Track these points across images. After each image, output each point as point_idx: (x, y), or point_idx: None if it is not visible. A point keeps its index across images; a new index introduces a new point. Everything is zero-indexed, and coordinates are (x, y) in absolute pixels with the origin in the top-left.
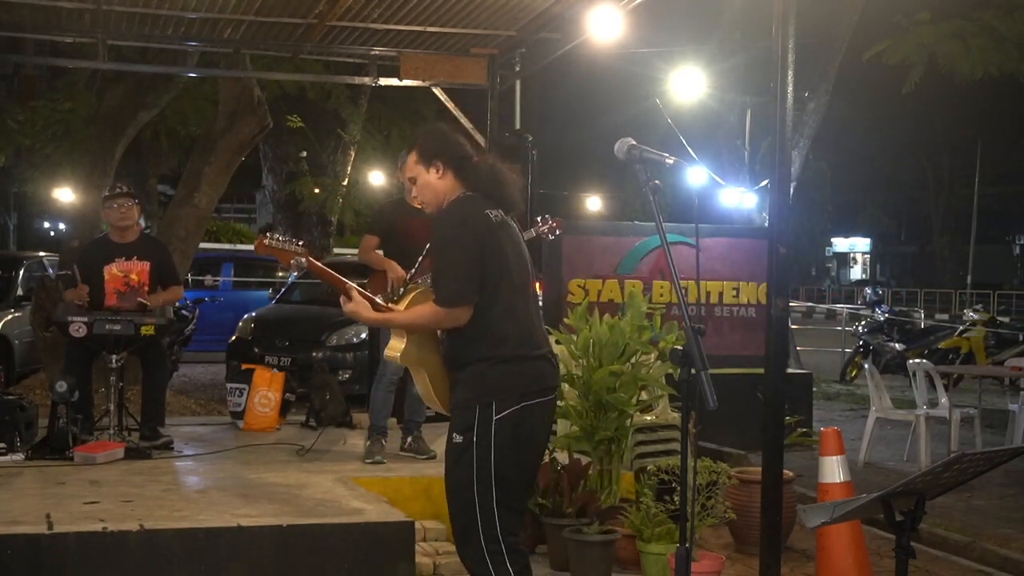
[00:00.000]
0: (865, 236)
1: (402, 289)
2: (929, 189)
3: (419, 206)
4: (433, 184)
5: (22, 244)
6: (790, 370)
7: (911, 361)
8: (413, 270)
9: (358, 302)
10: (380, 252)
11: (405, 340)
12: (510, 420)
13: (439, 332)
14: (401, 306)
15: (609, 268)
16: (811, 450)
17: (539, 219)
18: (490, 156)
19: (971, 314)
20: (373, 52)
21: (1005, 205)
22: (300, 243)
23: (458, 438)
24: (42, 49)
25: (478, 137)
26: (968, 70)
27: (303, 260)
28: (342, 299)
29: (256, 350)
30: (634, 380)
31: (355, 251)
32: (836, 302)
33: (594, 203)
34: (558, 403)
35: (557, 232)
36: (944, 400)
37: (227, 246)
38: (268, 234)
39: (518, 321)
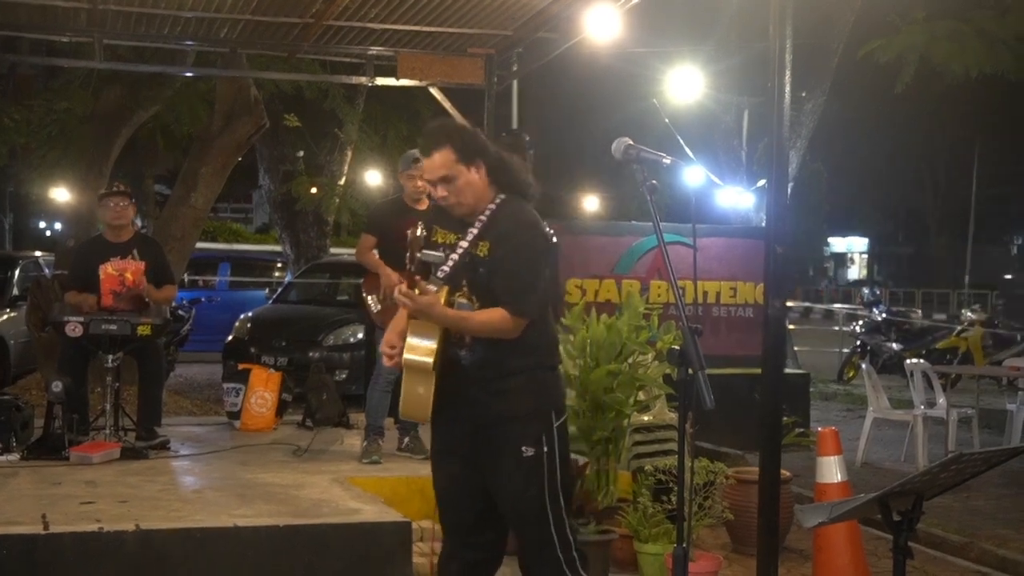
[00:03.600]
0: (862, 236)
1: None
2: (926, 189)
3: (454, 209)
4: (476, 184)
5: (18, 244)
6: (787, 370)
7: (909, 361)
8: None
9: (434, 296)
10: (376, 253)
11: (437, 344)
12: (564, 427)
13: (466, 337)
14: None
15: (606, 268)
16: (808, 450)
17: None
18: (498, 147)
19: (969, 314)
20: (370, 52)
21: (1003, 205)
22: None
23: (529, 451)
24: (38, 48)
25: None
26: (961, 70)
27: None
28: (404, 291)
29: (253, 350)
30: (631, 380)
31: (352, 251)
32: (833, 302)
33: (591, 203)
34: None
35: (553, 239)
36: (942, 400)
37: (224, 246)
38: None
39: (555, 329)
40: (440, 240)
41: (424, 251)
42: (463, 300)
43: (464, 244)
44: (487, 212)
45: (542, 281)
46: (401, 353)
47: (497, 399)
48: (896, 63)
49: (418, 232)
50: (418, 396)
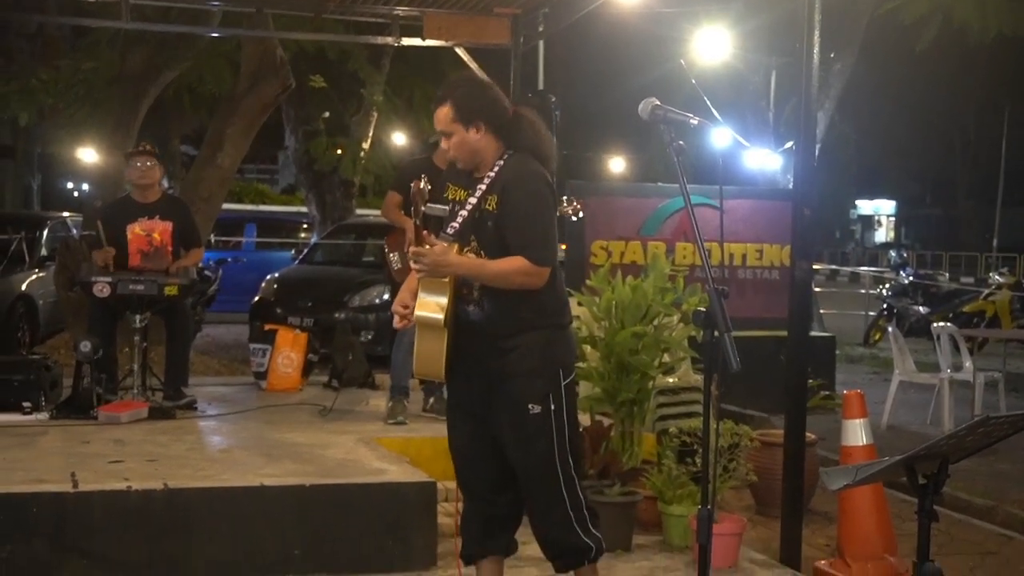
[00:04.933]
0: (890, 199)
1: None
2: (955, 152)
3: (450, 158)
4: (472, 144)
5: (46, 204)
6: (813, 333)
7: (935, 324)
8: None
9: (446, 246)
10: (401, 211)
11: (448, 300)
12: (573, 385)
13: (475, 293)
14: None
15: (632, 230)
16: (834, 413)
17: (563, 198)
18: (524, 109)
19: (996, 277)
20: (396, 12)
21: None
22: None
23: (535, 408)
24: (65, 8)
25: None
26: (981, 30)
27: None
28: (415, 249)
29: (279, 311)
30: (656, 342)
31: (378, 212)
32: (860, 265)
33: (617, 164)
34: (581, 364)
35: (580, 214)
36: (968, 364)
37: (250, 207)
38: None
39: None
40: (452, 196)
41: (429, 204)
42: (472, 256)
43: (473, 200)
44: (495, 168)
45: (554, 229)
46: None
47: (505, 356)
48: (919, 21)
49: (422, 185)
50: (430, 353)
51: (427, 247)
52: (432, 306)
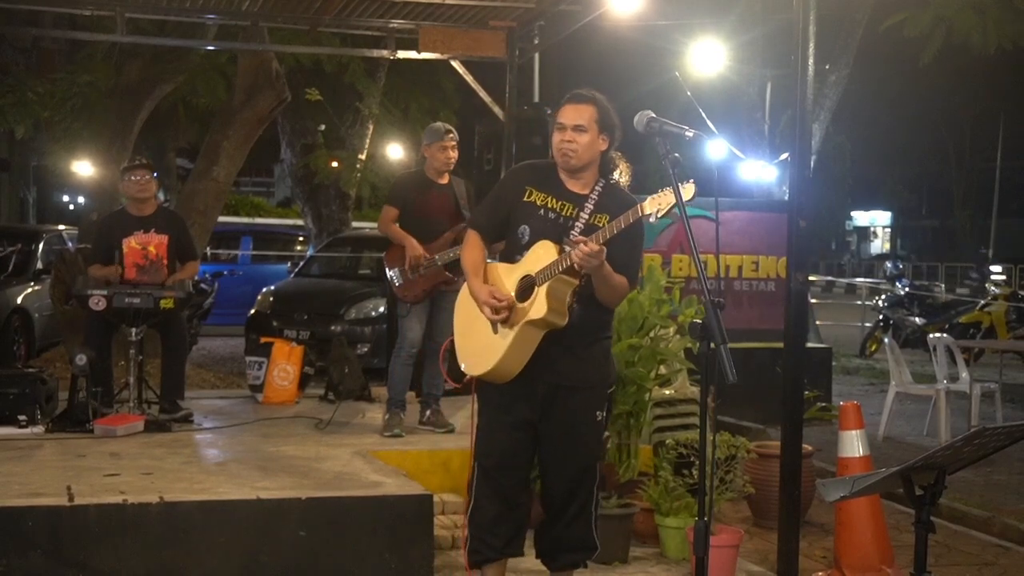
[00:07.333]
0: (886, 210)
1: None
2: (951, 162)
3: (567, 155)
4: (594, 151)
5: (41, 217)
6: (809, 344)
7: (931, 335)
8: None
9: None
10: (397, 225)
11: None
12: (612, 394)
13: (569, 301)
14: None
15: None
16: (830, 424)
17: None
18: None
19: (993, 288)
20: (391, 25)
21: None
22: None
23: (600, 415)
24: (60, 22)
25: (497, 111)
26: (983, 43)
27: None
28: (584, 245)
29: (275, 323)
30: (653, 354)
31: (374, 224)
32: (856, 276)
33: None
34: None
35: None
36: (964, 375)
37: (246, 220)
38: None
39: None
40: (538, 201)
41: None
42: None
43: (585, 215)
44: (597, 191)
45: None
46: (509, 307)
47: (581, 364)
48: (921, 35)
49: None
50: (520, 355)
51: (595, 245)
52: (560, 307)
